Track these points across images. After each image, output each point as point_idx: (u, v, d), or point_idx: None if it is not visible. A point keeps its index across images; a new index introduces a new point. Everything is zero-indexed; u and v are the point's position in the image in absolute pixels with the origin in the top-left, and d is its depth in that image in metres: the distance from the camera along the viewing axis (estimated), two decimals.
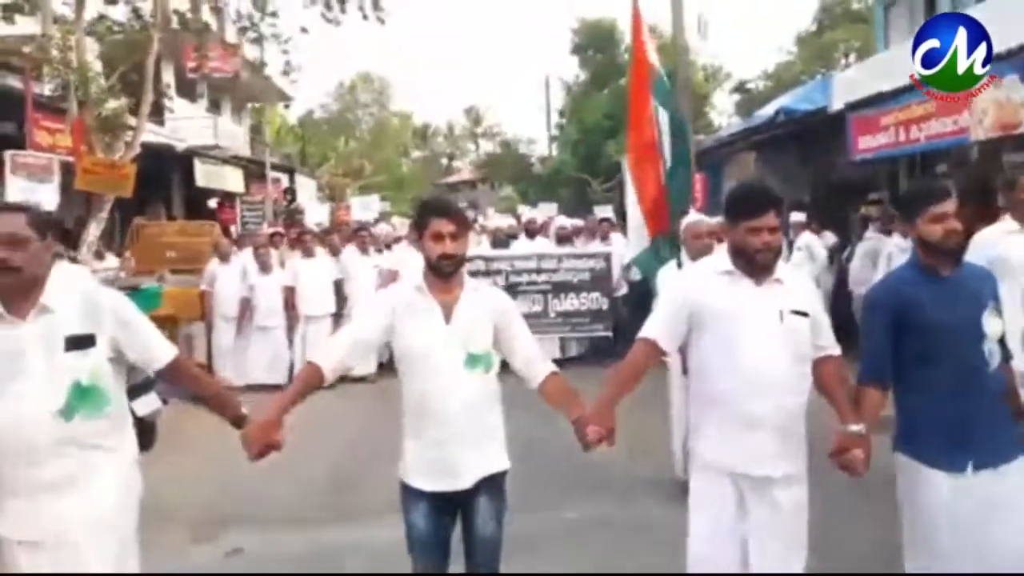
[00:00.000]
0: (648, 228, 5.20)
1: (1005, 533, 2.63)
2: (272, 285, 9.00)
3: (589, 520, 4.60)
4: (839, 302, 9.12)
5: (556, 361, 8.96)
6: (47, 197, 7.90)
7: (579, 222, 11.63)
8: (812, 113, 10.11)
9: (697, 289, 2.80)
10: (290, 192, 23.22)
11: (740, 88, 31.60)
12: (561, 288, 9.37)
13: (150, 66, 10.50)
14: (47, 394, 2.30)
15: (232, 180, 19.57)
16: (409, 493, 2.79)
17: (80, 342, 2.36)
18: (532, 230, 10.37)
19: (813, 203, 11.12)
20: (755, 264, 2.70)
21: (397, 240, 11.20)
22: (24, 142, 9.47)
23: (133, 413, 2.65)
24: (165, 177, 16.84)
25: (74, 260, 7.47)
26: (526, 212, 13.97)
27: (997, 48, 6.19)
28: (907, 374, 2.75)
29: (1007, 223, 3.92)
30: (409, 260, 7.64)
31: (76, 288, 2.48)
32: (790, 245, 8.94)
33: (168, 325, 7.90)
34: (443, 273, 2.76)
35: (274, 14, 11.87)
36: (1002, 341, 2.74)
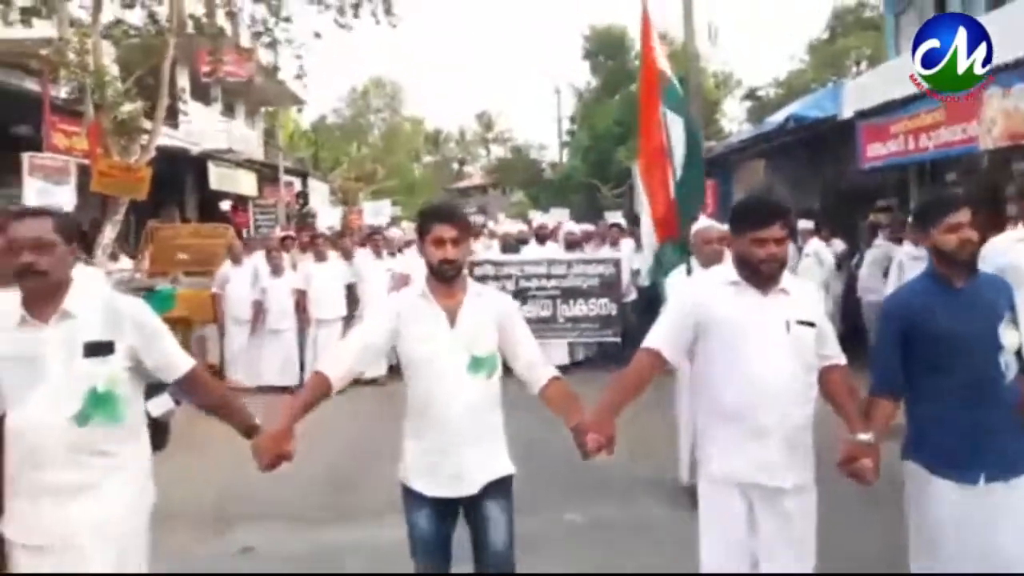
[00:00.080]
0: (656, 234, 5.24)
1: (1011, 543, 2.63)
2: (283, 288, 9.07)
3: (590, 522, 4.63)
4: (848, 309, 9.13)
5: (564, 366, 9.03)
6: (64, 199, 8.00)
7: (589, 227, 11.65)
8: (822, 120, 10.11)
9: (703, 299, 2.80)
10: (302, 196, 23.34)
11: (751, 95, 31.57)
12: (570, 293, 9.40)
13: (166, 70, 10.62)
14: (63, 399, 2.30)
15: (245, 183, 19.71)
16: (410, 496, 2.80)
17: (99, 349, 2.36)
18: (543, 235, 10.41)
19: (822, 210, 11.11)
20: (760, 275, 2.71)
21: (408, 244, 11.26)
22: (41, 144, 9.59)
23: (147, 414, 2.65)
24: (179, 180, 16.97)
25: (89, 262, 7.55)
26: (537, 217, 14.01)
27: (1007, 57, 6.22)
28: (920, 383, 2.75)
29: (1017, 231, 3.94)
30: (420, 264, 7.69)
31: (98, 294, 2.50)
32: (799, 252, 8.94)
33: (181, 327, 7.98)
34: (445, 278, 2.79)
35: (288, 19, 11.98)
36: (1019, 352, 2.72)
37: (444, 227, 2.78)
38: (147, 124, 10.77)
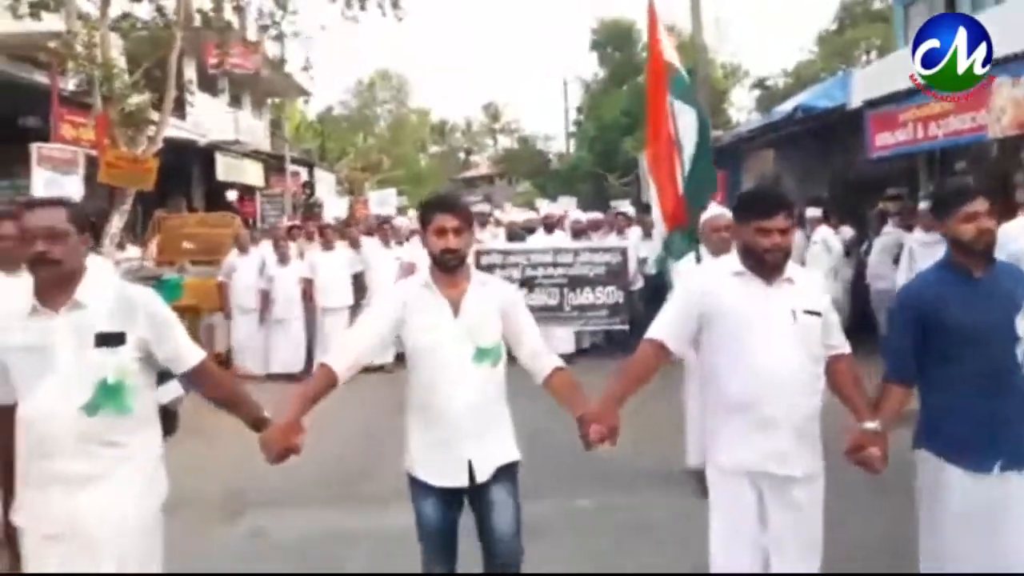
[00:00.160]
0: (665, 224, 5.23)
1: (1022, 533, 2.61)
2: (290, 277, 9.12)
3: (597, 509, 4.65)
4: (857, 296, 9.13)
5: (570, 354, 9.04)
6: (72, 189, 8.04)
7: (596, 215, 11.63)
8: (831, 110, 10.07)
9: (708, 290, 2.79)
10: (309, 186, 23.39)
11: (760, 84, 31.43)
12: (577, 282, 9.40)
13: (173, 63, 10.64)
14: (73, 389, 2.30)
15: (252, 174, 19.76)
16: (416, 485, 2.81)
17: (110, 339, 2.35)
18: (550, 224, 10.41)
19: (831, 199, 11.08)
20: (765, 264, 2.70)
21: (415, 233, 11.28)
22: (49, 135, 9.63)
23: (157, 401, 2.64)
24: (186, 170, 17.03)
25: (96, 252, 7.60)
26: (544, 206, 14.01)
27: (1015, 48, 6.18)
28: (934, 373, 2.74)
29: None
30: (425, 253, 7.73)
31: (110, 284, 2.49)
32: (807, 240, 8.94)
33: (190, 316, 8.03)
34: (447, 267, 2.79)
35: (295, 12, 11.99)
36: None
37: (446, 217, 2.78)
38: (154, 116, 10.81)
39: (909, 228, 8.17)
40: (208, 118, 18.19)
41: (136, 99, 10.67)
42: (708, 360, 2.82)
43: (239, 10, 12.46)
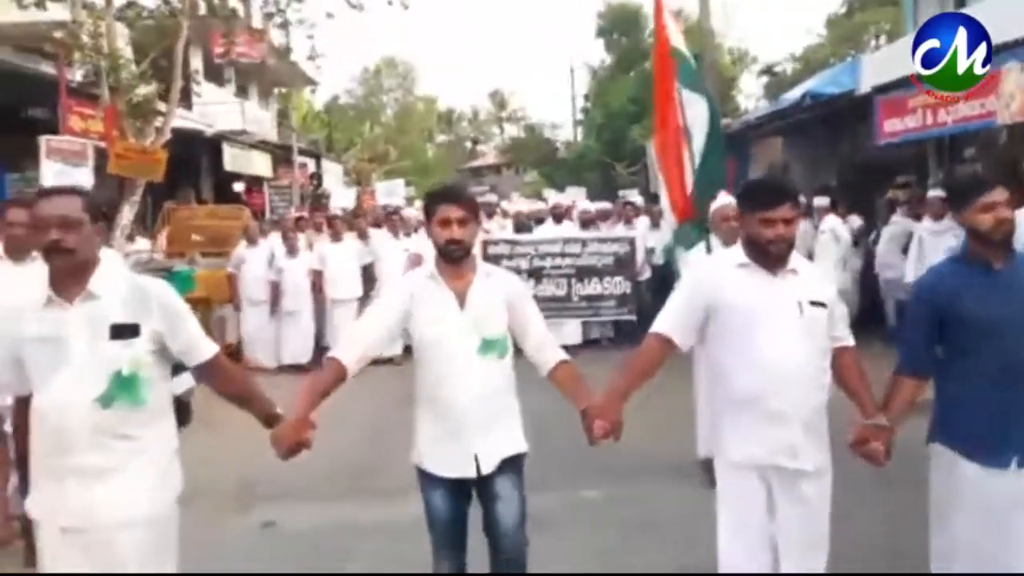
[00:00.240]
0: (674, 214, 5.22)
1: None
2: (299, 269, 9.14)
3: (605, 501, 4.66)
4: (866, 285, 9.11)
5: (579, 345, 9.03)
6: (82, 181, 8.06)
7: (604, 205, 11.60)
8: (839, 96, 10.00)
9: (713, 282, 2.76)
10: (316, 177, 23.43)
11: (768, 71, 31.22)
12: (585, 272, 9.41)
13: (179, 52, 10.65)
14: (87, 381, 2.28)
15: (260, 164, 19.80)
16: (425, 477, 2.82)
17: (124, 331, 2.33)
18: (559, 214, 10.39)
19: (840, 187, 11.03)
20: (769, 255, 2.67)
21: (423, 224, 11.26)
22: (57, 127, 9.67)
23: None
24: (194, 161, 17.07)
25: (107, 244, 7.64)
26: (552, 196, 13.99)
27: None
28: (950, 366, 2.70)
29: None
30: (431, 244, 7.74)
31: (124, 276, 2.48)
32: (815, 229, 8.91)
33: (202, 307, 8.07)
34: (452, 259, 2.78)
35: (300, 0, 11.97)
36: None
37: (450, 207, 2.76)
38: (162, 106, 10.82)
39: (918, 217, 8.14)
40: (215, 108, 18.22)
41: (143, 90, 10.69)
42: (714, 354, 2.79)
43: None
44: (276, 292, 9.09)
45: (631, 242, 9.60)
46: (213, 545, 4.05)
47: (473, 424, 2.72)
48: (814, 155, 12.53)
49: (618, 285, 9.44)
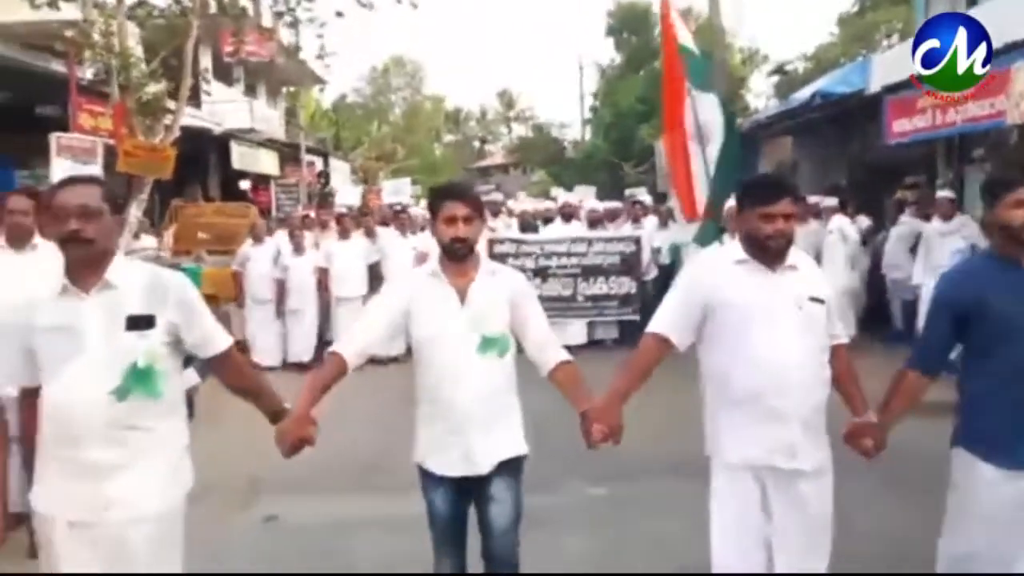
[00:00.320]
0: (683, 212, 5.23)
1: None
2: (305, 267, 9.15)
3: (607, 497, 4.66)
4: (873, 285, 9.08)
5: (583, 345, 8.98)
6: None
7: (614, 205, 11.56)
8: (849, 96, 9.97)
9: (711, 279, 2.73)
10: (324, 175, 23.48)
11: (779, 71, 31.11)
12: (591, 272, 9.39)
13: (189, 51, 10.68)
14: (103, 373, 2.25)
15: (267, 163, 19.86)
16: (426, 476, 2.82)
17: (140, 322, 2.30)
18: (568, 213, 10.36)
19: (849, 186, 10.99)
20: (768, 251, 2.64)
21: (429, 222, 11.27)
22: (67, 124, 9.73)
23: None
24: (202, 159, 17.13)
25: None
26: (561, 195, 13.98)
27: None
28: (973, 366, 2.68)
29: None
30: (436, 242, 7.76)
31: (141, 266, 2.46)
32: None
33: (210, 305, 8.09)
34: (457, 256, 2.77)
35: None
36: None
37: (456, 205, 2.75)
38: (171, 104, 10.87)
39: (927, 217, 8.11)
40: (223, 107, 18.29)
41: (153, 88, 10.74)
42: (711, 352, 2.74)
43: None
44: (282, 290, 9.11)
45: (637, 241, 9.58)
46: (216, 539, 4.07)
47: (473, 423, 2.71)
48: (824, 154, 12.50)
49: (623, 285, 9.42)
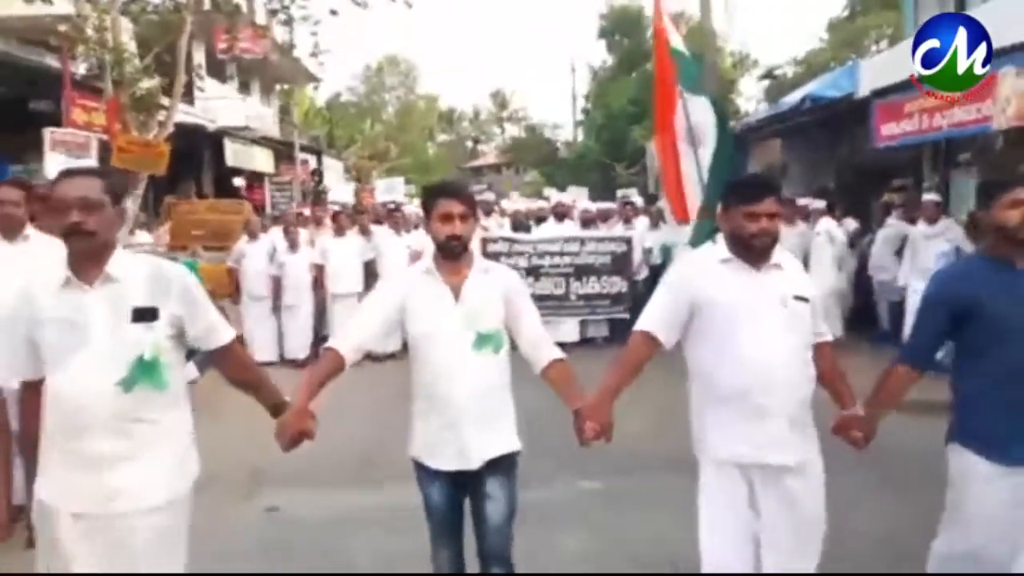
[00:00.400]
0: (674, 213, 5.30)
1: None
2: (300, 263, 9.19)
3: (602, 492, 4.71)
4: (860, 287, 9.19)
5: (575, 343, 9.01)
6: None
7: (607, 205, 11.65)
8: (838, 100, 10.07)
9: (696, 278, 2.74)
10: (317, 173, 23.47)
11: (769, 75, 31.29)
12: (583, 271, 9.47)
13: (183, 47, 10.70)
14: (108, 365, 2.24)
15: (261, 160, 19.85)
16: (421, 470, 2.86)
17: (145, 314, 2.29)
18: (560, 213, 10.44)
19: (838, 189, 11.10)
20: (752, 250, 2.65)
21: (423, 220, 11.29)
22: (61, 119, 9.73)
23: None
24: (196, 156, 17.11)
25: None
26: (554, 195, 14.06)
27: (1022, 37, 6.19)
28: (967, 365, 2.69)
29: None
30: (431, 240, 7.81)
31: (143, 259, 2.45)
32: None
33: None
34: (452, 254, 2.78)
35: None
36: None
37: (451, 202, 2.76)
38: (165, 100, 10.88)
39: (912, 220, 8.21)
40: (217, 103, 18.27)
41: (147, 84, 10.74)
42: (697, 350, 2.76)
43: None
44: (277, 287, 9.13)
45: (628, 242, 9.67)
46: (217, 530, 4.09)
47: (468, 419, 2.73)
48: (813, 157, 12.61)
49: (614, 284, 9.52)
